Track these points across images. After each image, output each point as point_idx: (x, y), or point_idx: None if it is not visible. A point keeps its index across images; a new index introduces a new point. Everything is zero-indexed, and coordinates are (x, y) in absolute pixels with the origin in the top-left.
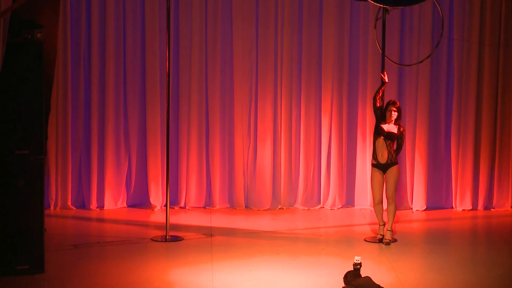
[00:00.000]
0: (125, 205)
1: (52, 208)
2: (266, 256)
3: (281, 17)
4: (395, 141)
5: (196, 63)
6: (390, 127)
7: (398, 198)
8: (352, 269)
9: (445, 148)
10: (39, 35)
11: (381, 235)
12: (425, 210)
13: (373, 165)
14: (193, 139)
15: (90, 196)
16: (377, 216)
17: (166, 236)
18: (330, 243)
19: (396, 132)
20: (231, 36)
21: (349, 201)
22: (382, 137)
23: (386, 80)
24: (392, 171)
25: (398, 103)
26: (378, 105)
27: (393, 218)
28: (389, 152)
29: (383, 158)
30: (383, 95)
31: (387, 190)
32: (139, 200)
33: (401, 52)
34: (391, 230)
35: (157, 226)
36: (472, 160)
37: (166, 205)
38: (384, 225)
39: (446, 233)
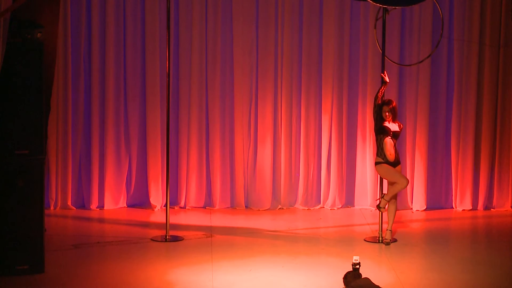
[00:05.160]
0: (125, 205)
1: (52, 208)
2: (266, 256)
3: (281, 17)
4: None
5: (196, 63)
6: (393, 126)
7: (398, 198)
8: (351, 269)
9: (445, 148)
10: (39, 35)
11: (388, 240)
12: (425, 210)
13: (379, 163)
14: (193, 139)
15: (90, 196)
16: (390, 215)
17: (166, 236)
18: (330, 243)
19: (399, 130)
20: (231, 36)
21: (349, 201)
22: (389, 137)
23: (387, 80)
24: (398, 169)
25: (392, 104)
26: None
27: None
28: (395, 151)
29: (391, 156)
30: (383, 95)
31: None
32: (139, 200)
33: (401, 52)
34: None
35: (157, 226)
36: (472, 160)
37: (166, 205)
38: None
39: (446, 233)
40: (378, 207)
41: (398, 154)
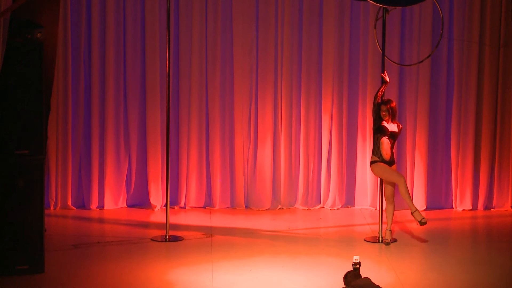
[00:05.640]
0: (125, 205)
1: (52, 208)
2: (266, 256)
3: (281, 17)
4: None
5: (196, 63)
6: (391, 126)
7: (398, 198)
8: (352, 269)
9: (445, 148)
10: (39, 35)
11: (388, 240)
12: (425, 210)
13: (375, 162)
14: (193, 139)
15: (90, 196)
16: (388, 214)
17: (166, 236)
18: (330, 243)
19: (397, 131)
20: (231, 36)
21: (349, 201)
22: (386, 137)
23: (388, 80)
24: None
25: (390, 104)
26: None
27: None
28: (391, 152)
29: (387, 156)
30: (383, 94)
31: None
32: (139, 200)
33: (401, 52)
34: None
35: (157, 226)
36: (472, 160)
37: (166, 205)
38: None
39: (446, 233)
40: (421, 222)
41: (393, 155)
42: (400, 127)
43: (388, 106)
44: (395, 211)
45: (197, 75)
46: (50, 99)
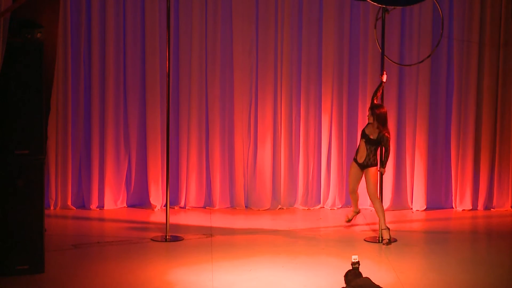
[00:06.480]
0: (125, 205)
1: (52, 208)
2: (266, 256)
3: (281, 17)
4: (378, 146)
5: (196, 63)
6: (371, 131)
7: (398, 198)
8: (352, 268)
9: (445, 148)
10: (39, 35)
11: (349, 219)
12: (425, 210)
13: (354, 160)
14: (193, 139)
15: (90, 196)
16: (352, 202)
17: (166, 236)
18: (330, 243)
19: (374, 138)
20: (231, 36)
21: (349, 201)
22: (363, 140)
23: (383, 80)
24: (369, 172)
25: (376, 109)
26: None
27: (383, 216)
28: (367, 155)
29: (361, 158)
30: (381, 95)
31: (368, 189)
32: (139, 200)
33: (401, 52)
34: (387, 229)
35: (157, 226)
36: (472, 160)
37: (166, 205)
38: (358, 212)
39: (446, 233)
40: (386, 243)
41: (370, 159)
42: (382, 134)
43: (374, 110)
44: (394, 211)
45: (197, 75)
46: (50, 99)
